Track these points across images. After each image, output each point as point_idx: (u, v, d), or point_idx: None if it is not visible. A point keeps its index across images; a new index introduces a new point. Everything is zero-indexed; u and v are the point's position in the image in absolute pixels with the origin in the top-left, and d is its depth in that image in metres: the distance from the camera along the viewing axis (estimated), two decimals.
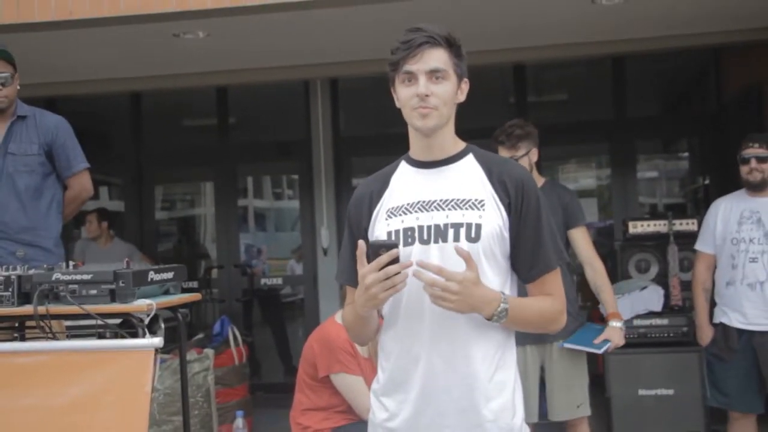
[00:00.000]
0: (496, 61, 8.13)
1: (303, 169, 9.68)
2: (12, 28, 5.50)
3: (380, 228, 2.77)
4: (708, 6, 6.67)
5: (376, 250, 2.48)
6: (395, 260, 2.45)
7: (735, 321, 5.40)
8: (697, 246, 5.60)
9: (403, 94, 2.70)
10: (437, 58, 2.67)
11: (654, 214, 8.38)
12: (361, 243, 2.55)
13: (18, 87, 4.77)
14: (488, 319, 2.62)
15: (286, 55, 7.49)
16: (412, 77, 2.68)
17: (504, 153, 4.89)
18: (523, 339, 4.79)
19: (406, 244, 2.68)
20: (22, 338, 3.63)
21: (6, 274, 3.38)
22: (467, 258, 2.52)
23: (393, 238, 2.70)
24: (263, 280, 10.21)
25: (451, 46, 2.71)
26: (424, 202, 2.74)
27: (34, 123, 4.81)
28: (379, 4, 5.36)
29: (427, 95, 2.66)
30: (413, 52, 2.66)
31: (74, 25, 5.64)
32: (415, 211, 2.73)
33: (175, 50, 7.05)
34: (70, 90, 8.10)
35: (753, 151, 5.38)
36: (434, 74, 2.67)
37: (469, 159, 2.80)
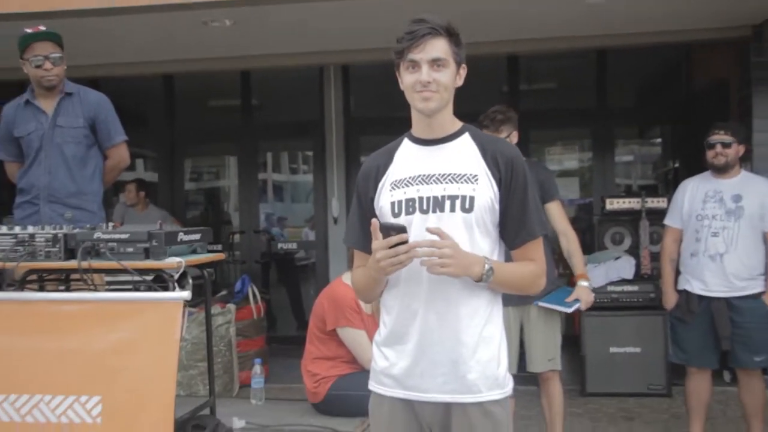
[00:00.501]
0: (492, 52, 8.07)
1: (316, 146, 9.66)
2: (62, 14, 5.50)
3: (385, 198, 2.79)
4: (680, 7, 6.65)
5: (386, 230, 2.52)
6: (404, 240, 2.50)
7: (696, 288, 5.41)
8: (666, 221, 5.61)
9: (408, 80, 2.71)
10: (438, 47, 2.67)
11: (629, 193, 8.40)
12: (374, 222, 2.59)
13: (65, 67, 4.79)
14: (478, 281, 2.64)
15: (303, 42, 7.47)
16: (415, 65, 2.68)
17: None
18: (506, 301, 4.80)
19: (407, 213, 2.70)
20: (68, 289, 3.65)
21: (54, 232, 3.40)
22: (440, 233, 2.55)
23: (396, 207, 2.73)
24: (280, 245, 10.24)
25: (451, 35, 2.71)
26: (424, 175, 2.75)
27: (79, 99, 4.82)
28: None
29: (429, 82, 2.67)
30: (417, 42, 2.66)
31: (115, 12, 5.63)
32: (416, 184, 2.74)
33: (203, 37, 7.03)
34: (111, 71, 8.09)
35: (718, 137, 5.38)
36: (435, 62, 2.67)
37: (466, 138, 2.80)
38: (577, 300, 5.16)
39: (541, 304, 5.14)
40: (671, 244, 5.54)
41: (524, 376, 5.51)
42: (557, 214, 5.20)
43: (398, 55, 2.71)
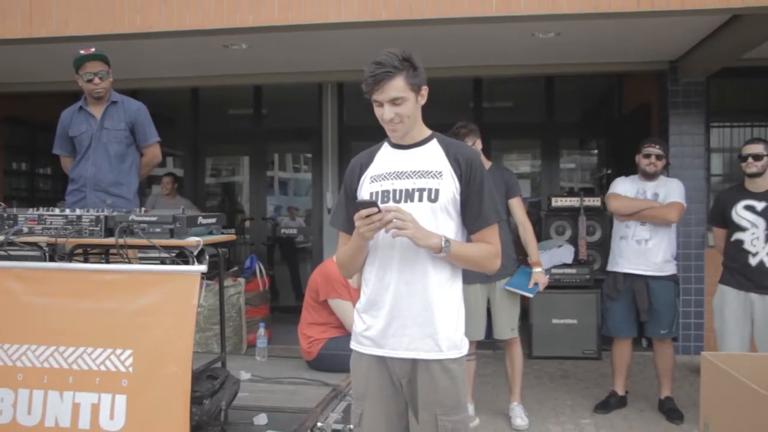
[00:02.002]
0: (460, 75, 8.11)
1: (315, 149, 9.66)
2: (108, 37, 5.49)
3: (365, 189, 2.82)
4: (613, 45, 6.71)
5: (361, 205, 2.57)
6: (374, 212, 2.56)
7: (622, 267, 5.46)
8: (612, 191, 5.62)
9: (377, 113, 2.73)
10: (395, 87, 2.66)
11: (570, 193, 8.44)
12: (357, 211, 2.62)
13: (111, 80, 4.81)
14: (438, 252, 2.66)
15: (305, 63, 7.46)
16: (378, 104, 2.71)
17: None
18: (474, 279, 4.89)
19: (383, 201, 2.72)
20: (107, 261, 3.66)
21: (97, 214, 3.41)
22: (397, 209, 2.60)
23: (374, 197, 2.75)
24: (283, 230, 10.25)
25: (406, 69, 2.68)
26: (398, 172, 2.78)
27: (122, 107, 4.85)
28: (373, 29, 5.39)
29: (392, 118, 2.70)
30: (377, 87, 2.67)
31: (152, 36, 5.61)
32: (392, 179, 2.77)
33: (224, 57, 7.02)
34: (148, 84, 8.07)
35: (653, 149, 5.41)
36: (395, 101, 2.68)
37: (433, 143, 2.83)
38: (536, 284, 5.21)
39: (509, 288, 5.19)
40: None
41: (484, 342, 5.59)
42: (518, 209, 5.23)
43: (366, 95, 2.72)
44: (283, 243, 10.28)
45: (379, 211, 2.56)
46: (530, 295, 5.31)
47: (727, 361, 2.47)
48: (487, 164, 5.25)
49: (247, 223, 10.31)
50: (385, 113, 2.70)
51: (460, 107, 9.43)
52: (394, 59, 2.67)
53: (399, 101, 2.68)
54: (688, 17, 5.36)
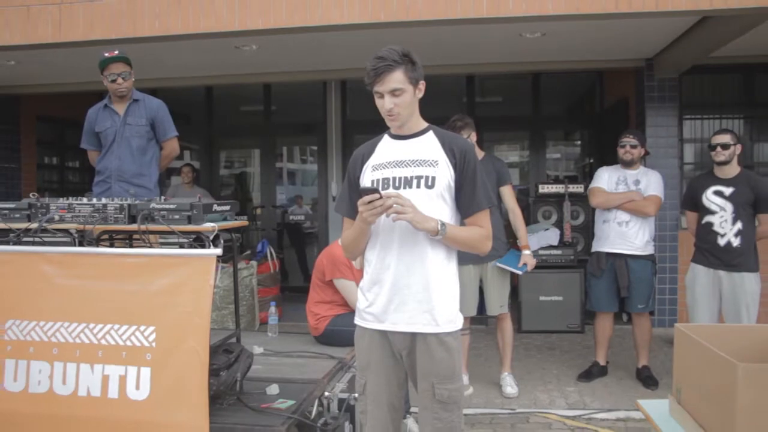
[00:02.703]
0: (454, 72, 8.11)
1: (320, 142, 9.68)
2: (130, 41, 5.51)
3: (368, 177, 2.83)
4: (594, 44, 6.71)
5: (365, 192, 2.60)
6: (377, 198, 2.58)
7: (605, 247, 5.48)
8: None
9: (378, 104, 2.76)
10: (395, 79, 2.69)
11: (556, 181, 8.43)
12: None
13: (133, 80, 4.82)
14: (435, 235, 2.68)
15: (311, 62, 7.46)
16: (380, 95, 2.73)
17: None
18: (468, 260, 4.90)
19: (384, 188, 2.74)
20: (131, 246, 3.67)
21: (121, 203, 3.42)
22: (398, 195, 2.63)
23: (376, 184, 2.76)
24: (291, 217, 10.26)
25: (405, 64, 2.71)
26: (397, 161, 2.79)
27: (144, 104, 4.85)
28: (372, 30, 5.38)
29: (391, 108, 2.72)
30: (378, 78, 2.69)
31: (169, 39, 5.62)
32: (392, 167, 2.79)
33: (235, 58, 7.02)
34: (167, 83, 8.07)
35: (628, 140, 5.45)
36: (394, 92, 2.70)
37: (430, 134, 2.84)
38: (525, 264, 5.23)
39: (499, 265, 5.20)
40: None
41: (478, 318, 5.61)
42: (508, 196, 5.25)
43: (368, 86, 2.74)
44: (291, 229, 10.29)
45: (381, 197, 2.57)
46: (519, 273, 5.32)
47: (697, 331, 2.48)
48: (481, 154, 5.25)
49: (259, 211, 10.32)
50: (385, 103, 2.72)
51: (455, 102, 9.42)
52: (395, 54, 2.69)
53: (398, 92, 2.70)
54: (661, 18, 5.36)
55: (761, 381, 2.05)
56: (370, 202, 2.58)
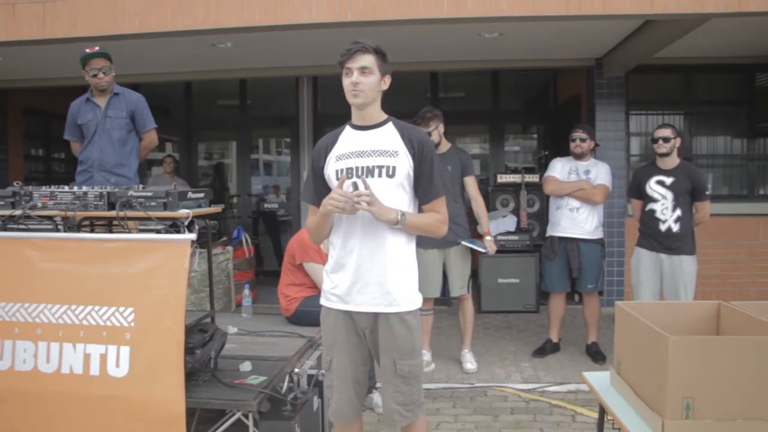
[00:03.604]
0: (418, 69, 8.10)
1: (293, 134, 9.60)
2: (111, 37, 5.44)
3: (331, 167, 2.83)
4: (546, 44, 6.74)
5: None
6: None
7: (558, 232, 5.54)
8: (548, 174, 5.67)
9: (345, 82, 2.77)
10: (366, 59, 2.73)
11: (514, 171, 8.49)
12: (343, 178, 2.74)
13: (113, 74, 4.77)
14: (395, 224, 2.71)
15: (284, 59, 7.41)
16: (349, 72, 2.75)
17: (422, 128, 4.92)
18: (433, 244, 4.93)
19: (348, 177, 2.76)
20: (110, 231, 3.65)
21: (100, 190, 3.40)
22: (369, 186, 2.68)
23: (339, 174, 2.78)
24: (265, 204, 10.21)
25: (377, 53, 2.76)
26: (359, 151, 2.80)
27: (124, 97, 4.81)
28: (340, 29, 5.38)
29: (357, 83, 2.73)
30: (350, 56, 2.73)
31: (148, 36, 5.56)
32: (354, 157, 2.80)
33: (212, 54, 6.96)
34: (146, 78, 7.97)
35: (578, 134, 5.51)
36: (363, 70, 2.73)
37: (390, 125, 2.85)
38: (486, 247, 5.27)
39: (464, 243, 5.23)
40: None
41: (440, 299, 5.64)
42: (472, 186, 5.26)
43: (340, 65, 2.76)
44: (266, 216, 10.23)
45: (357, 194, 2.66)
46: (482, 251, 5.32)
47: (636, 308, 2.54)
48: (447, 145, 5.29)
49: (235, 200, 10.26)
50: (353, 77, 2.73)
51: (420, 97, 9.42)
52: (369, 43, 2.75)
53: (366, 71, 2.73)
54: (608, 21, 5.43)
55: (689, 351, 2.11)
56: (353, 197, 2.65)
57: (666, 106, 7.86)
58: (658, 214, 5.07)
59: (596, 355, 5.53)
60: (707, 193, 5.10)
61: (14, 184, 3.60)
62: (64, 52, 6.02)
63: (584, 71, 7.73)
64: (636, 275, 5.22)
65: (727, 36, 6.38)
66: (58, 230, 3.40)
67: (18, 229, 3.42)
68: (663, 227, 5.05)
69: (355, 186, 2.69)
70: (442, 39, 6.54)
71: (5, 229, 3.42)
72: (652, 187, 5.11)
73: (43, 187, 3.53)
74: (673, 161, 5.08)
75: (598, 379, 2.80)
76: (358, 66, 2.73)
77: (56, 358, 3.24)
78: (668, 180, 5.05)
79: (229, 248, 7.39)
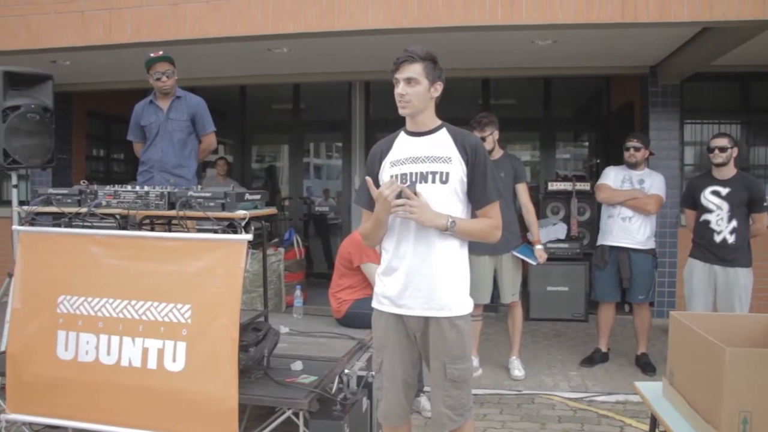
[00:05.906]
0: (471, 76, 8.09)
1: (345, 139, 9.64)
2: (173, 42, 5.60)
3: (386, 173, 2.85)
4: (601, 52, 6.67)
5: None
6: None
7: (609, 241, 5.47)
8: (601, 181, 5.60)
9: (395, 92, 2.79)
10: (413, 70, 2.74)
11: (564, 179, 8.40)
12: (369, 179, 2.78)
13: (176, 78, 4.89)
14: (444, 230, 2.72)
15: (337, 64, 7.47)
16: (396, 82, 2.77)
17: (477, 134, 4.90)
18: (485, 251, 4.91)
19: (402, 183, 2.75)
20: (170, 230, 3.73)
21: (161, 190, 3.47)
22: (412, 195, 2.69)
23: (396, 180, 2.77)
24: (317, 208, 10.30)
25: (426, 60, 2.76)
26: (414, 157, 2.81)
27: (185, 101, 4.93)
28: (395, 35, 5.40)
29: (403, 95, 2.75)
30: (398, 67, 2.76)
31: (208, 42, 5.69)
32: (408, 163, 2.80)
33: (268, 59, 7.06)
34: (205, 82, 8.11)
35: (632, 143, 5.43)
36: (409, 81, 2.74)
37: (443, 131, 2.85)
38: (537, 257, 5.25)
39: (515, 254, 5.22)
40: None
41: (490, 306, 5.61)
42: (523, 193, 5.23)
43: (390, 73, 2.79)
44: (316, 219, 10.32)
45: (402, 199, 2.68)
46: (533, 263, 5.31)
47: (690, 318, 2.49)
48: (500, 152, 5.27)
49: (287, 202, 10.39)
50: (399, 89, 2.75)
51: (471, 103, 9.40)
52: (419, 51, 2.76)
53: (412, 82, 2.74)
54: (664, 28, 5.33)
55: (747, 364, 2.07)
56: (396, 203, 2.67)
57: (722, 115, 7.68)
58: (713, 225, 4.97)
59: (646, 366, 5.43)
60: (765, 204, 4.98)
61: (81, 183, 3.72)
62: (127, 56, 6.20)
63: (638, 79, 7.61)
64: (689, 286, 5.12)
65: None
66: (120, 228, 3.49)
67: (83, 226, 3.52)
68: (718, 238, 4.94)
69: (399, 195, 2.69)
70: (495, 46, 6.52)
71: (71, 226, 3.53)
72: (707, 197, 5.01)
73: (108, 187, 3.64)
74: (730, 171, 4.97)
75: (650, 389, 2.75)
76: (404, 77, 2.75)
77: (116, 350, 3.33)
78: (724, 190, 4.95)
79: (281, 249, 7.47)
